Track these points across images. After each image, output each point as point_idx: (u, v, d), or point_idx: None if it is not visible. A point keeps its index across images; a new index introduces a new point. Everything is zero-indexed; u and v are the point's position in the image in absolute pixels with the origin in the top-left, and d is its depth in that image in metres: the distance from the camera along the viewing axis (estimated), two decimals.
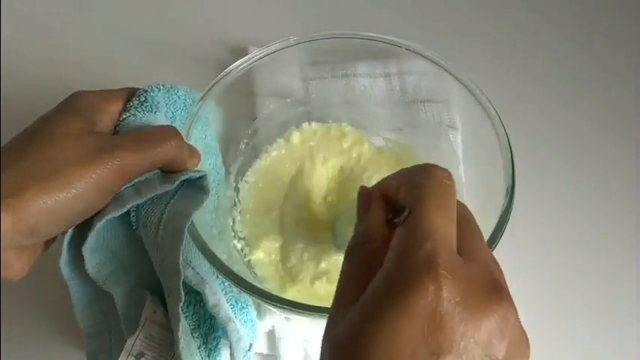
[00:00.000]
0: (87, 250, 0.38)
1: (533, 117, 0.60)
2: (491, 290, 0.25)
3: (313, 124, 0.54)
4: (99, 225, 0.37)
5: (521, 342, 0.26)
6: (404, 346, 0.24)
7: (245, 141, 0.52)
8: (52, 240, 0.37)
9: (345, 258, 0.29)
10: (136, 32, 0.65)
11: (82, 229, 0.38)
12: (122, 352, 0.39)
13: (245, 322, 0.43)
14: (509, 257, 0.47)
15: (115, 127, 0.40)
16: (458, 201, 0.28)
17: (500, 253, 0.40)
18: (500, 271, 0.27)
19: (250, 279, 0.41)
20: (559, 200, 0.56)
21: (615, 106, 0.62)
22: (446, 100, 0.52)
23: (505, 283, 0.26)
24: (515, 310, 0.25)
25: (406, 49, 0.49)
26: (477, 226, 0.28)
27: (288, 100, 0.54)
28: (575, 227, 0.55)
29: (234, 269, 0.40)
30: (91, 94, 0.39)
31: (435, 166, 0.29)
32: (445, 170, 0.29)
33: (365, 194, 0.31)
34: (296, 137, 0.54)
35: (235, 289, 0.42)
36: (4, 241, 0.33)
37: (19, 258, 0.35)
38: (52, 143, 0.35)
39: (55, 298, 0.47)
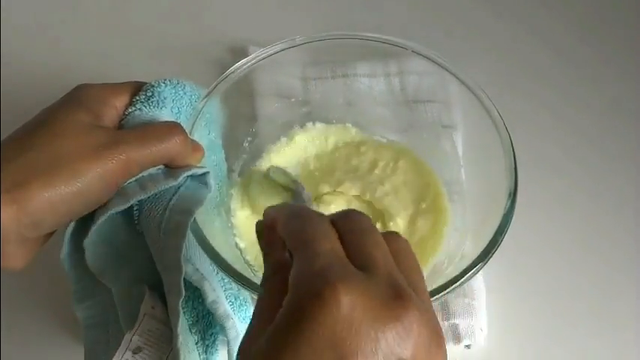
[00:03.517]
0: (88, 243, 0.38)
1: (535, 117, 0.60)
2: (392, 296, 0.26)
3: (317, 124, 0.54)
4: (101, 219, 0.37)
5: (431, 341, 0.26)
6: (310, 357, 0.24)
7: (248, 139, 0.52)
8: (53, 232, 0.37)
9: (261, 287, 0.31)
10: (135, 31, 0.65)
11: (84, 222, 0.38)
12: (120, 347, 0.39)
13: (244, 319, 0.43)
14: (510, 258, 0.48)
15: (121, 120, 0.40)
16: (354, 212, 0.30)
17: (500, 254, 0.40)
18: (401, 277, 0.27)
19: (250, 276, 0.41)
20: (561, 201, 0.56)
21: (622, 106, 0.62)
22: (447, 101, 0.52)
23: (407, 287, 0.27)
24: (420, 312, 0.26)
25: (411, 50, 0.49)
26: (375, 234, 0.29)
27: (292, 99, 0.54)
28: (578, 229, 0.55)
29: (235, 266, 0.40)
30: (97, 87, 0.39)
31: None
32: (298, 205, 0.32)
33: (267, 229, 0.33)
34: (299, 137, 0.54)
35: (235, 286, 0.42)
36: (7, 233, 0.33)
37: (20, 249, 0.35)
38: (56, 136, 0.35)
39: (55, 289, 0.47)
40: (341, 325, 0.24)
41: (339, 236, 0.29)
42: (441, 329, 0.27)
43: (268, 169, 0.50)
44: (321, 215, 0.30)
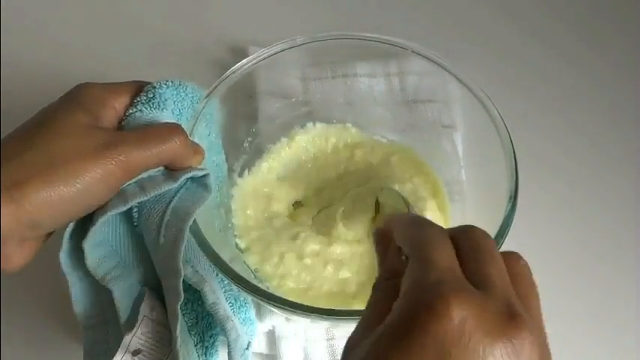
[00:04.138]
0: (88, 244, 0.38)
1: (535, 117, 0.60)
2: (506, 315, 0.25)
3: (317, 124, 0.54)
4: (100, 220, 0.37)
5: None
6: None
7: (249, 139, 0.52)
8: (52, 232, 0.37)
9: (372, 291, 0.30)
10: (135, 31, 0.65)
11: (84, 223, 0.38)
12: (119, 349, 0.39)
13: (244, 320, 0.43)
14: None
15: (121, 121, 0.40)
16: (474, 228, 0.30)
17: None
18: (516, 298, 0.27)
19: (250, 278, 0.41)
20: (561, 202, 0.56)
21: (623, 106, 0.62)
22: (447, 101, 0.52)
23: (522, 309, 0.26)
24: (533, 334, 0.25)
25: (411, 50, 0.49)
26: (494, 253, 0.29)
27: (293, 99, 0.54)
28: (578, 230, 0.55)
29: (235, 268, 0.40)
30: (96, 88, 0.39)
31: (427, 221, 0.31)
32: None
33: (382, 234, 0.33)
34: (300, 137, 0.53)
35: (235, 288, 0.42)
36: (6, 233, 0.33)
37: (19, 249, 0.35)
38: (56, 136, 0.35)
39: (55, 289, 0.47)
40: (450, 337, 0.24)
41: (456, 251, 0.28)
42: (551, 355, 0.26)
43: (381, 189, 0.49)
44: (441, 228, 0.30)
